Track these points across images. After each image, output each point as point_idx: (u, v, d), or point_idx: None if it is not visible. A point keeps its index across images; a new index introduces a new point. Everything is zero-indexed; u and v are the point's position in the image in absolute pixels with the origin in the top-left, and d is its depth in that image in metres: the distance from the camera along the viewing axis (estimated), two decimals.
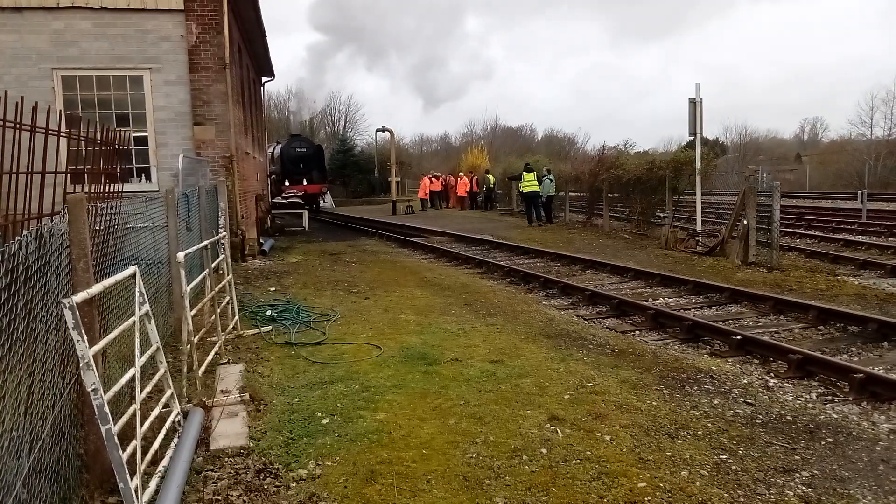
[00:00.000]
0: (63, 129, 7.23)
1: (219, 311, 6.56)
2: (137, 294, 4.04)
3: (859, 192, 20.93)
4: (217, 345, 6.29)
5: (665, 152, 22.22)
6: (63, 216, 3.35)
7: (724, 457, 4.11)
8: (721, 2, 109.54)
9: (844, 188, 36.29)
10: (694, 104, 14.18)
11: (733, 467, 3.97)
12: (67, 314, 3.01)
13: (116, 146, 6.89)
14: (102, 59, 11.92)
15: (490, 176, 32.68)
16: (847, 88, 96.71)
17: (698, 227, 15.39)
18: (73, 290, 3.41)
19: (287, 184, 30.65)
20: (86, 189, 6.79)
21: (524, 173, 22.58)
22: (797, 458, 4.13)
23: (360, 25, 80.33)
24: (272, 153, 34.25)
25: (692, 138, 14.93)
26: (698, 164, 14.81)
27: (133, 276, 4.07)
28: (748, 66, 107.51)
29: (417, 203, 34.71)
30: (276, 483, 3.83)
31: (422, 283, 10.92)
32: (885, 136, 48.44)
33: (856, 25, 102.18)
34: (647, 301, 9.31)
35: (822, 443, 4.39)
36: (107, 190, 7.12)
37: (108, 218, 5.08)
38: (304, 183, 31.22)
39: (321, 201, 33.95)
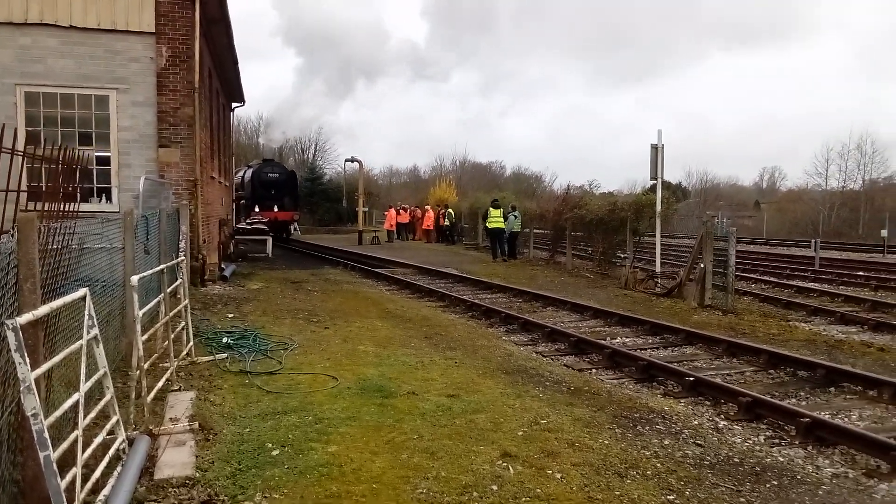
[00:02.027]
0: (22, 147, 7.12)
1: (172, 336, 6.44)
2: (86, 317, 3.97)
3: (812, 240, 21.58)
4: (169, 371, 6.16)
5: (628, 194, 22.77)
6: (12, 235, 3.29)
7: (671, 497, 4.15)
8: (695, 50, 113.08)
9: (800, 236, 37.40)
10: (655, 149, 14.57)
11: None
12: (10, 336, 2.94)
13: (73, 165, 6.79)
14: (68, 78, 11.78)
15: (451, 210, 32.95)
16: (807, 140, 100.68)
17: (657, 268, 15.69)
18: (19, 310, 3.34)
19: (257, 209, 30.05)
20: (39, 207, 6.65)
21: (490, 209, 22.82)
22: (742, 500, 4.19)
23: (333, 57, 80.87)
24: (242, 178, 33.79)
25: (647, 181, 15.31)
26: (658, 208, 15.16)
27: (83, 298, 4.00)
28: (716, 114, 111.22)
29: (384, 234, 34.72)
30: None
31: (383, 315, 10.88)
32: (840, 187, 50.25)
33: (823, 79, 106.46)
34: (605, 340, 9.41)
35: (768, 485, 4.47)
36: (63, 209, 6.99)
37: (62, 238, 4.99)
38: (276, 209, 30.56)
39: (292, 229, 33.31)
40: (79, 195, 11.55)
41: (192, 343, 7.38)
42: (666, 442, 5.21)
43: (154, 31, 12.01)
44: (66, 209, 7.29)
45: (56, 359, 3.55)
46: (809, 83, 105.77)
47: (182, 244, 11.37)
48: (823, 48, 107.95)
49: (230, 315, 10.31)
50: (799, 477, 4.67)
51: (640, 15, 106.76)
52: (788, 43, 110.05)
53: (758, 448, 5.34)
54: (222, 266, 16.22)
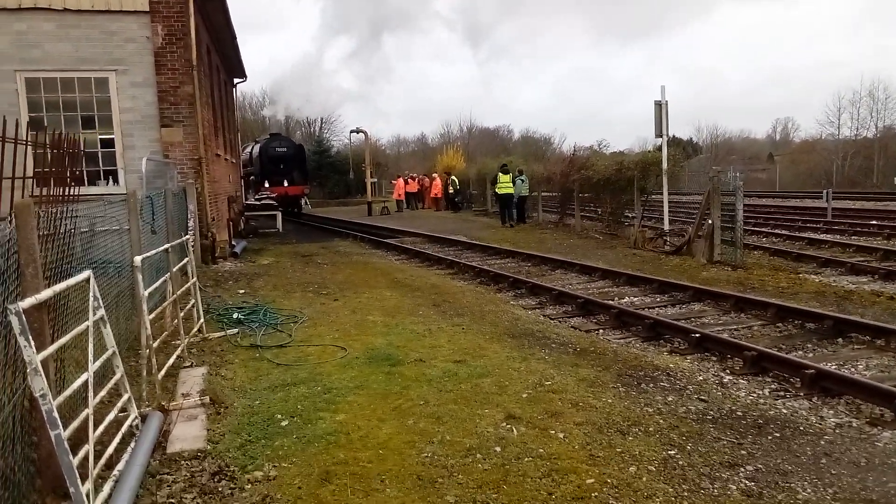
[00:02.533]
0: (26, 134, 7.19)
1: (182, 314, 6.54)
2: (91, 298, 4.05)
3: (824, 191, 21.35)
4: (179, 348, 6.28)
5: (638, 153, 22.51)
6: (10, 221, 3.35)
7: (673, 452, 4.22)
8: (703, 3, 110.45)
9: (814, 187, 36.98)
10: (660, 106, 14.39)
11: (680, 462, 4.07)
12: (14, 320, 3.01)
13: (73, 150, 6.86)
14: (66, 61, 11.79)
15: (454, 178, 32.84)
16: (820, 90, 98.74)
17: (666, 226, 15.62)
18: (22, 295, 3.42)
19: (267, 185, 29.62)
20: (44, 192, 6.74)
21: (499, 174, 22.66)
22: (743, 452, 4.25)
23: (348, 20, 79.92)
24: (250, 153, 33.64)
25: (658, 139, 15.16)
26: (665, 165, 15.03)
27: (88, 280, 4.08)
28: (726, 68, 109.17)
29: (393, 204, 34.72)
30: (231, 485, 3.86)
31: (392, 285, 10.96)
32: (853, 136, 49.43)
33: (831, 29, 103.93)
34: (612, 300, 9.45)
35: (769, 437, 4.52)
36: (67, 193, 7.07)
37: (65, 222, 5.06)
38: (285, 184, 30.25)
39: (303, 203, 33.06)
40: (85, 178, 11.75)
41: (202, 320, 7.50)
42: (670, 398, 5.26)
43: (148, 9, 11.96)
44: (70, 193, 7.38)
45: (61, 341, 3.64)
46: (819, 33, 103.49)
47: (190, 223, 11.50)
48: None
49: (241, 291, 10.43)
50: (802, 428, 4.72)
51: None
52: None
53: (762, 401, 5.38)
54: (233, 243, 16.35)
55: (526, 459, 4.09)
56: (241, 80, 23.85)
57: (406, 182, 36.22)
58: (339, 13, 75.89)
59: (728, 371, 6.30)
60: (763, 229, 18.40)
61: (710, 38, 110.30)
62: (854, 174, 44.61)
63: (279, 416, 4.92)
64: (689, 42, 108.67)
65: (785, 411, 5.13)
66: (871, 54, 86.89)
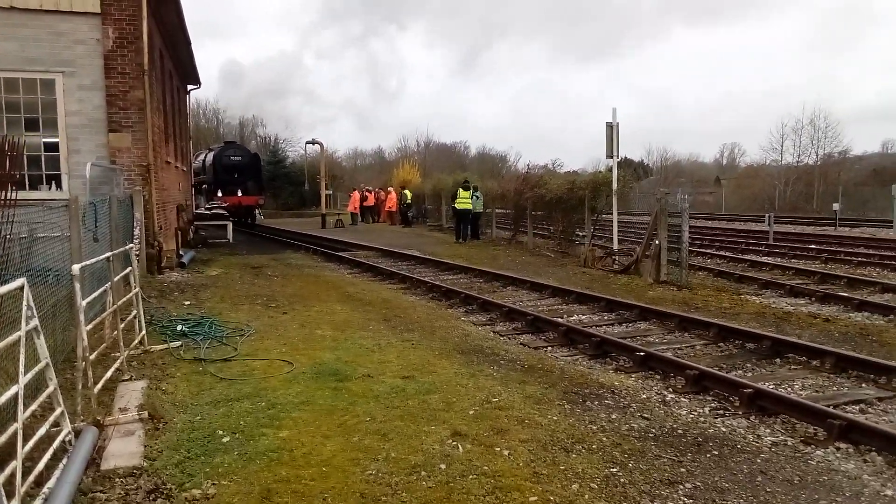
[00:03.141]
0: None
1: (122, 325, 6.35)
2: (24, 308, 3.90)
3: (767, 215, 22.09)
4: (119, 360, 6.09)
5: (590, 173, 22.97)
6: None
7: (615, 470, 4.27)
8: (658, 26, 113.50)
9: (758, 211, 38.19)
10: (611, 128, 14.72)
11: (622, 480, 4.13)
12: None
13: (12, 153, 6.62)
14: (11, 61, 11.41)
15: (407, 192, 32.91)
16: (766, 116, 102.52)
17: (615, 245, 15.92)
18: None
19: (220, 194, 28.93)
20: None
21: (460, 189, 22.61)
22: (682, 470, 4.34)
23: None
24: (203, 161, 32.95)
25: (610, 160, 15.48)
26: (615, 186, 15.35)
27: (21, 287, 3.93)
28: (680, 91, 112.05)
29: (348, 217, 34.51)
30: None
31: (343, 298, 10.87)
32: (795, 162, 51.33)
33: (779, 56, 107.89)
34: (561, 318, 9.55)
35: (708, 455, 4.62)
36: (5, 197, 6.82)
37: (2, 226, 4.88)
38: (239, 194, 29.65)
39: (257, 214, 32.38)
40: (27, 182, 11.35)
41: (144, 331, 7.29)
42: (613, 416, 5.34)
43: (99, 11, 11.68)
44: (9, 197, 7.12)
45: None
46: (768, 60, 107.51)
47: (136, 231, 11.20)
48: (782, 24, 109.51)
49: (187, 302, 10.19)
50: (739, 446, 4.84)
51: None
52: (749, 18, 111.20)
53: (702, 419, 5.51)
54: (180, 253, 15.98)
55: (470, 477, 4.09)
56: (195, 86, 23.48)
57: (363, 195, 36.07)
58: (303, 22, 75.69)
59: (671, 389, 6.43)
60: (708, 251, 18.92)
61: (665, 60, 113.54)
62: (796, 199, 46.28)
63: (221, 433, 4.81)
64: (645, 64, 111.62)
65: (724, 429, 5.26)
66: (816, 82, 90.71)
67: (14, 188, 7.77)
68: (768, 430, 5.40)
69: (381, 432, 4.83)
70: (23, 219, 5.95)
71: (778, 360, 7.52)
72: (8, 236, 5.23)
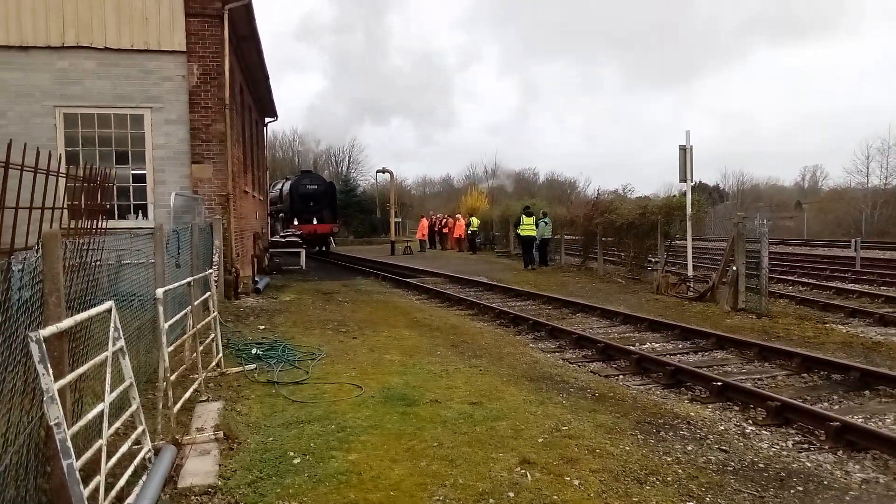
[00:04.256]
0: (62, 169, 7.42)
1: (201, 348, 6.59)
2: (112, 329, 4.10)
3: (853, 240, 21.01)
4: (197, 382, 6.31)
5: (662, 197, 22.47)
6: (37, 251, 3.43)
7: (691, 503, 4.10)
8: (739, 46, 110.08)
9: (844, 236, 36.43)
10: (684, 151, 14.39)
11: None
12: (34, 348, 3.07)
13: (105, 184, 7.04)
14: (105, 98, 12.19)
15: (474, 219, 32.96)
16: (851, 137, 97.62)
17: (689, 272, 15.46)
18: (44, 323, 3.48)
19: (296, 223, 29.54)
20: (75, 224, 6.90)
21: (523, 216, 22.64)
22: None
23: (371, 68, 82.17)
24: (280, 190, 33.92)
25: (683, 185, 15.11)
26: (689, 210, 14.95)
27: (109, 310, 4.14)
28: (759, 113, 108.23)
29: (416, 244, 34.88)
30: None
31: (411, 324, 10.95)
32: (882, 185, 48.77)
33: (863, 75, 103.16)
34: (633, 346, 9.32)
35: (792, 491, 4.38)
36: (95, 226, 7.23)
37: (92, 253, 5.17)
38: (314, 222, 30.14)
39: (331, 242, 32.80)
40: (116, 212, 12.02)
41: (221, 354, 7.54)
42: (689, 448, 5.14)
43: (185, 49, 12.35)
44: (98, 226, 7.55)
45: (79, 370, 3.68)
46: (852, 78, 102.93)
47: (215, 258, 11.65)
48: (867, 42, 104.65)
49: (261, 326, 10.49)
50: (826, 482, 4.57)
51: (682, 10, 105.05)
52: (832, 36, 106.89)
53: (785, 453, 5.24)
54: (256, 279, 16.51)
55: None
56: (273, 119, 24.41)
57: (431, 222, 36.42)
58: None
59: (751, 421, 6.15)
60: (789, 277, 18.12)
61: (744, 82, 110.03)
62: (884, 224, 43.87)
63: (291, 454, 4.89)
64: (723, 86, 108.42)
65: (809, 465, 4.98)
66: None
67: (104, 217, 8.25)
68: (858, 467, 5.08)
69: (449, 458, 4.81)
70: (111, 246, 6.30)
71: (867, 392, 7.09)
72: (97, 262, 5.53)
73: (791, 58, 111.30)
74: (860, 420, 5.97)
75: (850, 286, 16.17)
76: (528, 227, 22.21)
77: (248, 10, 12.94)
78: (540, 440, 5.20)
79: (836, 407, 6.62)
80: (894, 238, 36.58)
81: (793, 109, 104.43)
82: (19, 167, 6.21)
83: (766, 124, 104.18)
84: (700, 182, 52.04)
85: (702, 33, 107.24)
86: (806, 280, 17.61)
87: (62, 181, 8.53)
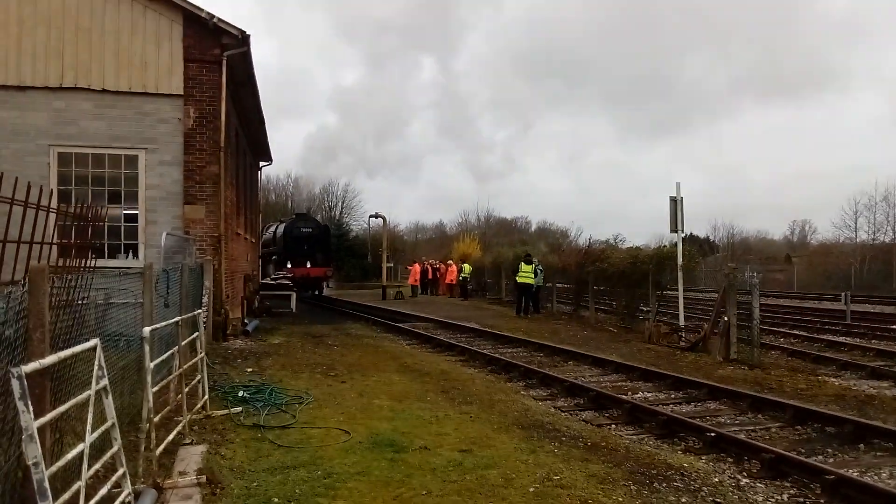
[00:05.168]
0: (52, 205, 7.37)
1: (186, 389, 6.46)
2: (96, 367, 4.01)
3: (843, 293, 21.10)
4: (181, 424, 6.16)
5: (654, 247, 22.67)
6: (23, 285, 3.38)
7: None
8: (728, 103, 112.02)
9: (833, 290, 36.58)
10: (675, 202, 14.54)
11: None
12: (15, 384, 2.99)
13: (95, 223, 7.01)
14: (100, 138, 12.25)
15: (466, 266, 33.02)
16: (841, 193, 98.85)
17: (681, 322, 15.44)
18: (27, 359, 3.40)
19: (289, 265, 29.32)
20: (63, 262, 6.83)
21: (522, 264, 22.49)
22: None
23: (367, 111, 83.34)
24: (274, 233, 33.90)
25: (674, 235, 15.22)
26: (680, 260, 15.02)
27: (94, 349, 4.06)
28: (749, 168, 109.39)
29: (408, 289, 34.79)
30: None
31: (401, 369, 10.82)
32: (870, 240, 49.32)
33: (851, 132, 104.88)
34: (625, 394, 9.22)
35: None
36: (84, 264, 7.17)
37: (80, 291, 5.11)
38: (308, 265, 30.00)
39: (325, 285, 32.43)
40: (106, 251, 11.94)
41: (206, 396, 7.39)
42: (683, 500, 5.04)
43: (182, 93, 12.49)
44: (87, 264, 7.48)
45: (61, 409, 3.58)
46: (841, 137, 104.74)
47: (205, 299, 11.55)
48: (856, 100, 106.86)
49: (249, 369, 10.33)
50: None
51: (673, 66, 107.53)
52: (819, 98, 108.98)
53: None
54: (245, 321, 16.36)
55: None
56: (267, 163, 24.59)
57: (423, 268, 36.41)
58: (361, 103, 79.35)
59: (745, 473, 6.05)
60: (781, 329, 18.11)
61: (735, 136, 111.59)
62: (873, 278, 44.17)
63: (276, 500, 4.76)
64: (714, 140, 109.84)
65: None
66: (892, 158, 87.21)
67: (94, 256, 8.18)
68: None
69: None
70: (100, 284, 6.23)
71: (862, 445, 7.00)
72: (84, 301, 5.46)
73: (781, 115, 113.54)
74: (855, 474, 5.87)
75: (841, 339, 16.16)
76: (525, 275, 22.07)
77: (245, 57, 13.14)
78: (531, 489, 5.08)
79: (831, 460, 6.53)
80: (884, 292, 36.79)
81: (782, 164, 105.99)
82: (9, 201, 6.18)
83: (756, 178, 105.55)
84: (691, 234, 52.56)
85: (692, 90, 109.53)
86: (797, 332, 17.59)
87: (52, 217, 8.50)
